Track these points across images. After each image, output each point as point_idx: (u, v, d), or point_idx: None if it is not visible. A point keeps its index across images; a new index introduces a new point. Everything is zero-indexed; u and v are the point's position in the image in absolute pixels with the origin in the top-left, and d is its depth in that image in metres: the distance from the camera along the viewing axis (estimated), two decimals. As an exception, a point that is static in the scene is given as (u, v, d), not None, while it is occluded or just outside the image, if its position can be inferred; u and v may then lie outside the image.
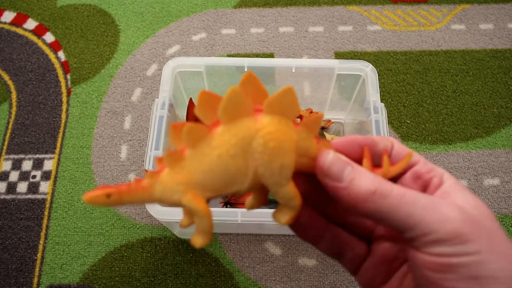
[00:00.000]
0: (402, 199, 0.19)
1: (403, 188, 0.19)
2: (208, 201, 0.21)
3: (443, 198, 0.20)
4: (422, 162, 0.22)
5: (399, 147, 0.23)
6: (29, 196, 0.65)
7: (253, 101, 0.20)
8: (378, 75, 0.59)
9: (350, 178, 0.20)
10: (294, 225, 0.23)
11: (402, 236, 0.19)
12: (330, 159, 0.20)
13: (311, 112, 0.66)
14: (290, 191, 0.21)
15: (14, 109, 0.73)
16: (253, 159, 0.19)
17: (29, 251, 0.62)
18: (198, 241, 0.21)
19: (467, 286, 0.17)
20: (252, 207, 0.23)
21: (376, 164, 0.23)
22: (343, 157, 0.21)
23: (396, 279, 0.23)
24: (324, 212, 0.24)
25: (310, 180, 0.22)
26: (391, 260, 0.23)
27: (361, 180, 0.20)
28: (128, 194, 0.19)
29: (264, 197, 0.23)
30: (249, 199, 0.23)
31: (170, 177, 0.19)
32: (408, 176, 0.22)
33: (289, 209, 0.21)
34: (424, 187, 0.22)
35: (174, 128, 0.19)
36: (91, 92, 0.74)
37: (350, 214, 0.24)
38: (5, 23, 0.82)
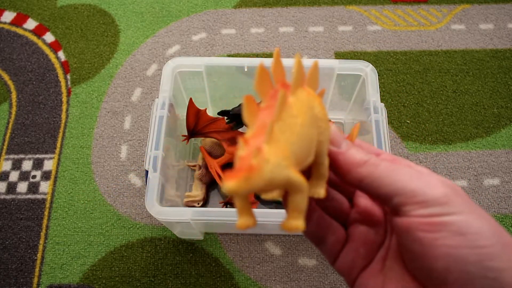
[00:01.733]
0: (391, 167, 0.21)
1: (391, 163, 0.22)
2: None
3: None
4: (386, 153, 0.26)
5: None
6: (29, 196, 0.65)
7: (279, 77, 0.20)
8: (378, 75, 0.59)
9: (347, 147, 0.23)
10: None
11: (389, 205, 0.21)
12: (333, 128, 0.23)
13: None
14: (328, 160, 0.22)
15: (14, 109, 0.73)
16: (317, 127, 0.21)
17: (29, 251, 0.62)
18: (300, 223, 0.19)
19: (456, 242, 0.19)
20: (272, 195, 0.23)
21: None
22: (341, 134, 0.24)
23: (376, 264, 0.24)
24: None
25: None
26: (368, 244, 0.25)
27: (356, 151, 0.23)
28: (255, 177, 0.16)
29: None
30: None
31: (273, 153, 0.17)
32: None
33: (321, 180, 0.22)
34: None
35: (250, 101, 0.18)
36: (91, 92, 0.74)
37: (328, 199, 0.25)
38: (5, 23, 0.82)
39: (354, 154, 0.22)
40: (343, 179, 0.23)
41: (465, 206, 0.20)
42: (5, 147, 0.69)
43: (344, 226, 0.26)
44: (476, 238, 0.19)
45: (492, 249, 0.19)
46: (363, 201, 0.26)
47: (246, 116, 0.18)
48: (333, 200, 0.26)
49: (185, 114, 0.60)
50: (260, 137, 0.17)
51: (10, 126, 0.71)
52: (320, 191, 0.22)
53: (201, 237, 0.62)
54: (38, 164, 0.68)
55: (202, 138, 0.65)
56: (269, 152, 0.17)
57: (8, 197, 0.65)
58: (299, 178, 0.18)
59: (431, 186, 0.20)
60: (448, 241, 0.19)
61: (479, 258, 0.19)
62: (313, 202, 0.25)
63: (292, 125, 0.19)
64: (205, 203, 0.64)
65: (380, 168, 0.21)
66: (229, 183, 0.16)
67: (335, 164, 0.23)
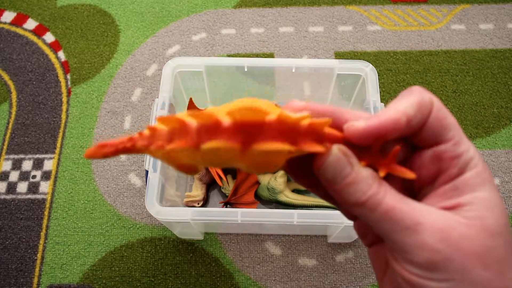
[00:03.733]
0: (388, 214, 0.19)
1: (393, 200, 0.19)
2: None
3: (448, 198, 0.20)
4: (452, 142, 0.20)
5: (437, 115, 0.20)
6: (29, 196, 0.65)
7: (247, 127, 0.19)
8: (378, 75, 0.59)
9: (343, 184, 0.20)
10: (287, 169, 0.24)
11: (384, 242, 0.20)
12: (328, 161, 0.20)
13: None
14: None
15: (14, 109, 0.73)
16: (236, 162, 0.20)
17: (29, 251, 0.62)
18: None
19: None
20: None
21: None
22: (343, 159, 0.20)
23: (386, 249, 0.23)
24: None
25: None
26: None
27: (354, 188, 0.19)
28: (123, 152, 0.21)
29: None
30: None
31: (157, 154, 0.21)
32: (429, 153, 0.21)
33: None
34: (439, 173, 0.20)
35: (163, 121, 0.20)
36: (91, 92, 0.74)
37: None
38: (5, 23, 0.82)
39: (348, 194, 0.20)
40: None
41: (458, 271, 0.18)
42: (5, 147, 0.69)
43: None
44: None
45: None
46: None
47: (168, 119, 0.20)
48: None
49: (185, 114, 0.60)
50: (161, 137, 0.20)
51: (10, 126, 0.71)
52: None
53: (201, 237, 0.62)
54: (38, 164, 0.68)
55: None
56: (154, 152, 0.21)
57: (8, 197, 0.65)
58: (180, 172, 0.22)
59: (423, 247, 0.18)
60: None
61: None
62: (316, 182, 0.23)
63: (190, 157, 0.20)
64: (205, 203, 0.64)
65: (375, 214, 0.19)
66: (87, 151, 0.21)
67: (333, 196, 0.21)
